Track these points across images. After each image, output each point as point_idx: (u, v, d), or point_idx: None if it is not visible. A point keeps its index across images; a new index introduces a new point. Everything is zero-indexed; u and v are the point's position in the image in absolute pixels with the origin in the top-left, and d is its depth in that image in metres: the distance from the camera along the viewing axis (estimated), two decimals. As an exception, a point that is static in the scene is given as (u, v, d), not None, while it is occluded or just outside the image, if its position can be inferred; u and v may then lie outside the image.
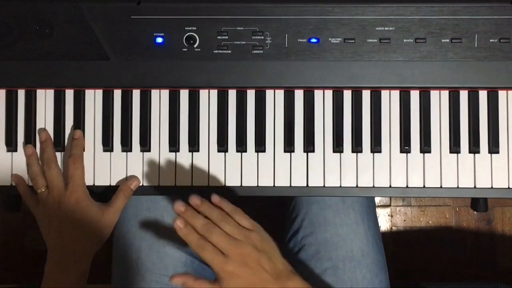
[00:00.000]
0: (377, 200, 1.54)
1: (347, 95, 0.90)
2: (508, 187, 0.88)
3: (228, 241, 0.76)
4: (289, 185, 0.89)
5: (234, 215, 0.79)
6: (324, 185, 0.89)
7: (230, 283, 0.75)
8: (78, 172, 0.86)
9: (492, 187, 0.88)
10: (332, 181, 0.88)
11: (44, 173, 0.87)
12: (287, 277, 0.77)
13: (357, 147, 0.89)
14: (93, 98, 0.90)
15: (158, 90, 0.90)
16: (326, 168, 0.89)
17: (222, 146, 0.89)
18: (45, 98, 0.90)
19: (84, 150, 0.89)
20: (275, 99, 0.90)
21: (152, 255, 0.91)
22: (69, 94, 0.90)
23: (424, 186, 0.88)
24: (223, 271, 0.75)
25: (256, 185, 0.89)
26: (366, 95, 0.90)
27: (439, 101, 0.89)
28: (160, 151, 0.90)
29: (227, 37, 0.88)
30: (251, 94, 0.90)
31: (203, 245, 0.76)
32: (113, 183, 0.89)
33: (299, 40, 0.88)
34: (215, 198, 0.80)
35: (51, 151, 0.88)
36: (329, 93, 0.90)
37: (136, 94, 0.90)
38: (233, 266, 0.75)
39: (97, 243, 0.87)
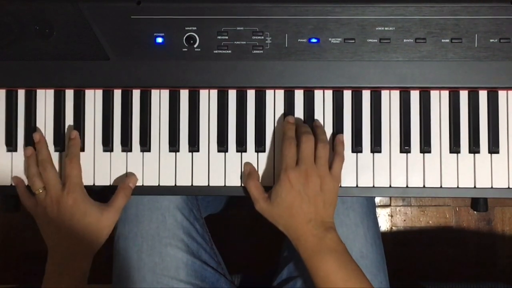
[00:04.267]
0: (377, 200, 1.54)
1: (347, 95, 0.90)
2: (508, 187, 0.88)
3: (310, 155, 0.83)
4: (289, 185, 0.88)
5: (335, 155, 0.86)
6: (324, 185, 0.88)
7: (280, 189, 0.82)
8: (74, 171, 0.86)
9: (492, 187, 0.88)
10: (332, 181, 0.88)
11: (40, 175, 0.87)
12: (329, 229, 0.82)
13: (357, 147, 0.89)
14: (93, 98, 0.90)
15: (158, 90, 0.90)
16: (326, 168, 0.88)
17: (222, 146, 0.89)
18: (45, 98, 0.90)
19: (82, 150, 0.89)
20: (275, 99, 0.90)
21: (153, 255, 0.91)
22: (69, 94, 0.90)
23: (424, 186, 0.88)
24: (284, 172, 0.82)
25: (256, 185, 0.89)
26: (366, 95, 0.90)
27: (439, 101, 0.89)
28: (160, 151, 0.90)
29: (227, 37, 0.88)
30: (251, 94, 0.90)
31: (291, 142, 0.84)
32: (113, 183, 0.89)
33: (299, 40, 0.88)
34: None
35: (45, 152, 0.87)
36: (329, 93, 0.90)
37: (136, 94, 0.90)
38: (294, 175, 0.81)
39: (95, 243, 0.86)
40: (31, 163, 0.88)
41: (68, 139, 0.88)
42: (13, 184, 0.89)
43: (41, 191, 0.86)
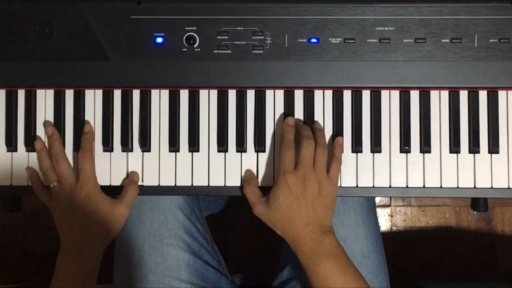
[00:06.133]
0: (377, 200, 1.54)
1: (347, 95, 0.90)
2: (508, 187, 0.88)
3: (309, 160, 0.83)
4: (289, 185, 0.88)
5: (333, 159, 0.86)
6: (324, 185, 0.88)
7: (278, 193, 0.82)
8: (87, 165, 0.86)
9: (492, 187, 0.88)
10: (332, 181, 0.88)
11: (54, 168, 0.87)
12: (327, 233, 0.82)
13: (357, 147, 0.89)
14: (93, 98, 0.90)
15: (158, 90, 0.90)
16: (326, 168, 0.88)
17: (222, 146, 0.89)
18: (45, 98, 0.90)
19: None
20: (275, 99, 0.90)
21: (155, 255, 0.91)
22: (69, 94, 0.90)
23: (424, 186, 0.88)
24: (282, 176, 0.82)
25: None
26: (366, 95, 0.90)
27: (439, 101, 0.89)
28: (160, 151, 0.90)
29: (227, 37, 0.88)
30: (251, 94, 0.90)
31: (289, 146, 0.84)
32: (113, 183, 0.89)
33: (299, 40, 0.88)
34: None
35: (58, 146, 0.88)
36: (329, 93, 0.90)
37: (136, 94, 0.90)
38: (292, 179, 0.81)
39: (106, 237, 0.87)
40: (43, 156, 0.88)
41: (82, 134, 0.89)
42: (13, 184, 0.89)
43: (55, 183, 0.86)
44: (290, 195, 0.81)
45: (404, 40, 0.87)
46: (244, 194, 0.87)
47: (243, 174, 0.88)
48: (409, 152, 0.89)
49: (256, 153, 0.89)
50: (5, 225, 1.56)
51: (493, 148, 0.88)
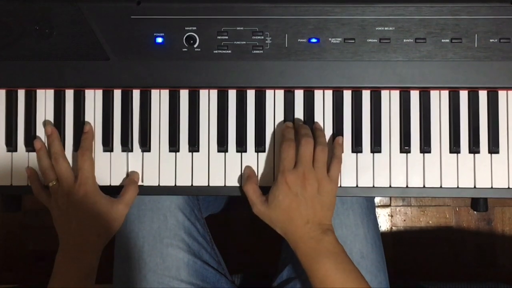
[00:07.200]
0: (377, 200, 1.54)
1: (347, 95, 0.90)
2: (508, 187, 0.88)
3: (308, 158, 0.83)
4: (289, 185, 0.88)
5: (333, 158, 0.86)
6: (324, 185, 0.88)
7: (277, 192, 0.82)
8: (86, 164, 0.86)
9: (492, 187, 0.88)
10: (332, 181, 0.88)
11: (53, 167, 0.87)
12: (326, 232, 0.82)
13: (357, 147, 0.89)
14: (93, 98, 0.90)
15: (158, 90, 0.90)
16: (326, 168, 0.88)
17: (222, 146, 0.89)
18: (45, 98, 0.90)
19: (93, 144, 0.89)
20: (275, 99, 0.90)
21: (154, 255, 0.91)
22: (69, 94, 0.90)
23: (424, 186, 0.88)
24: (282, 174, 0.82)
25: (256, 185, 0.89)
26: (366, 95, 0.90)
27: (439, 101, 0.89)
28: (160, 151, 0.90)
29: (227, 37, 0.88)
30: (251, 94, 0.90)
31: (290, 144, 0.84)
32: (113, 183, 0.89)
33: (299, 40, 0.88)
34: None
35: (58, 145, 0.88)
36: (329, 93, 0.90)
37: (136, 94, 0.90)
38: (292, 178, 0.81)
39: (105, 236, 0.87)
40: (42, 155, 0.88)
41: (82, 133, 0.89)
42: (13, 184, 0.89)
43: (54, 183, 0.86)
44: (289, 194, 0.81)
45: (404, 40, 0.87)
46: (244, 192, 0.87)
47: (243, 171, 0.88)
48: (409, 152, 0.89)
49: (256, 153, 0.89)
50: (5, 225, 1.56)
51: (493, 148, 0.88)
